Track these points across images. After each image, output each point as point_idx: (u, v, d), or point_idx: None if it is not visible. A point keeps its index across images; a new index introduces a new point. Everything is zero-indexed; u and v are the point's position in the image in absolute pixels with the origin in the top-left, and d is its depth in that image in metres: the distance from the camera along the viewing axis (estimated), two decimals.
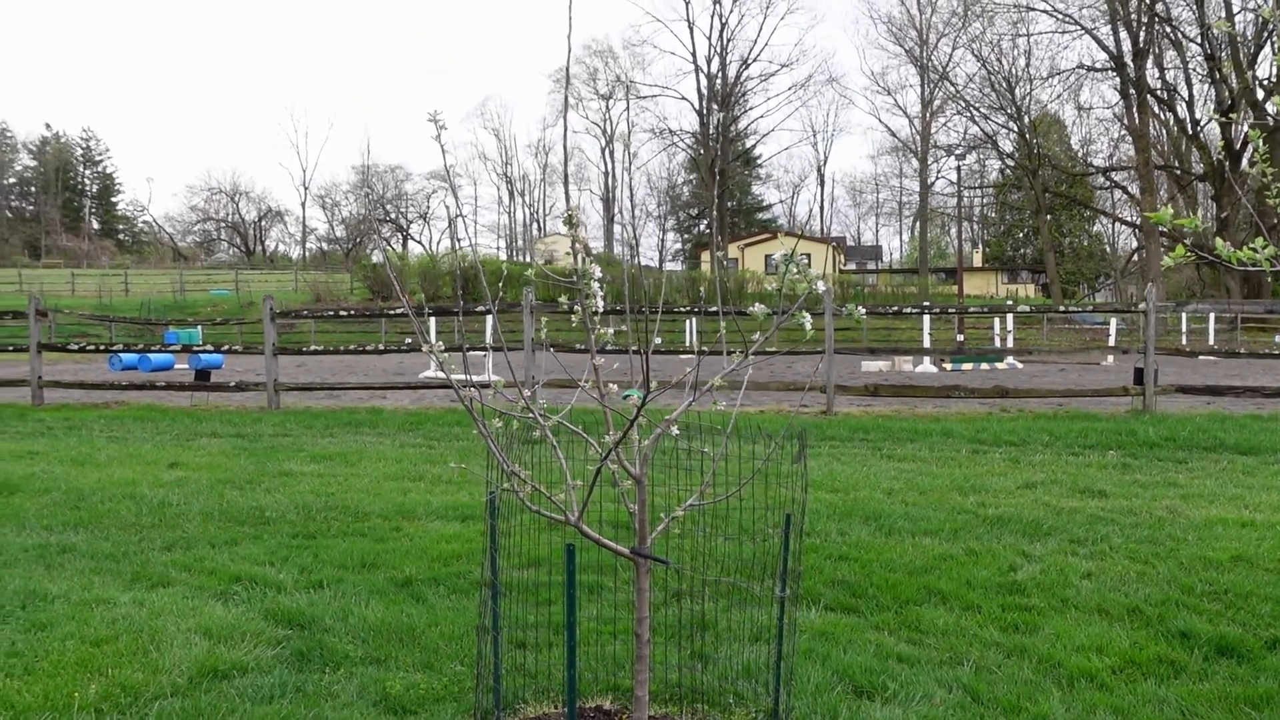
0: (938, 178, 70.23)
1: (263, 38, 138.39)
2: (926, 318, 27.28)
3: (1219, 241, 2.76)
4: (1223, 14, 45.24)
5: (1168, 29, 50.75)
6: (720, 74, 74.97)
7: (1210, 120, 51.72)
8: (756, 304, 3.00)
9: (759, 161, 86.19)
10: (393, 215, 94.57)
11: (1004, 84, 59.54)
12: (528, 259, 79.53)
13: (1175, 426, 11.11)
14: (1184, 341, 32.18)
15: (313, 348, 17.81)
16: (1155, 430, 10.82)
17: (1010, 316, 30.92)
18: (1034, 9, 54.52)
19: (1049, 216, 63.55)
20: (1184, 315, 35.51)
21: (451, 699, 3.68)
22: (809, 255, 62.75)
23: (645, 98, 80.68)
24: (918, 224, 76.35)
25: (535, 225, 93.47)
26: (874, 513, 6.71)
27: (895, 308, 18.85)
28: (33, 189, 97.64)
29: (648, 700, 3.15)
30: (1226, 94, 46.21)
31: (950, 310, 18.07)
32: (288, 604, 4.74)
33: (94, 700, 3.61)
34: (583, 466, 3.12)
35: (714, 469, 3.14)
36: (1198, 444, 10.12)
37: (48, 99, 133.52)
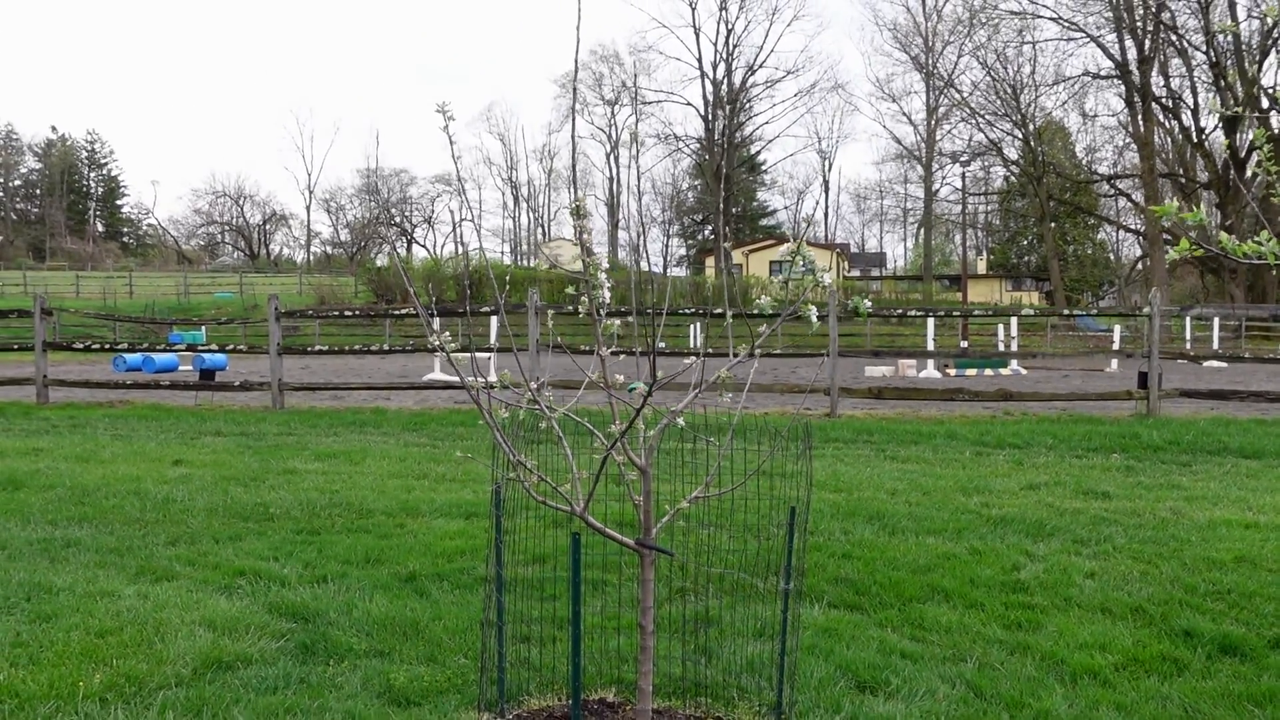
0: (942, 184, 70.35)
1: (268, 41, 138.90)
2: (931, 321, 27.27)
3: (1223, 235, 2.76)
4: (1228, 21, 45.27)
5: (1173, 37, 50.80)
6: (726, 80, 75.07)
7: (1216, 127, 51.77)
8: (763, 296, 3.02)
9: (764, 168, 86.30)
10: (397, 219, 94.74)
11: (1009, 91, 59.58)
12: (532, 263, 79.55)
13: (1179, 430, 11.10)
14: (1188, 347, 32.14)
15: (317, 348, 17.84)
16: (1159, 434, 10.81)
17: (1014, 321, 30.91)
18: (1040, 16, 54.59)
19: (1053, 224, 63.52)
20: (1188, 320, 35.45)
21: (455, 691, 3.69)
22: (813, 260, 62.64)
23: (650, 103, 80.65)
24: (922, 231, 76.42)
25: (540, 230, 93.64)
26: (878, 512, 6.71)
27: (900, 310, 18.87)
28: (38, 191, 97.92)
29: (651, 692, 3.15)
30: (1232, 100, 46.17)
31: (954, 314, 18.06)
32: (292, 598, 4.75)
33: (99, 689, 3.62)
34: (588, 459, 3.13)
35: (719, 461, 3.15)
36: (1202, 447, 10.11)
37: (53, 101, 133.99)
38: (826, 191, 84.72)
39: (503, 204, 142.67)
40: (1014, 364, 27.45)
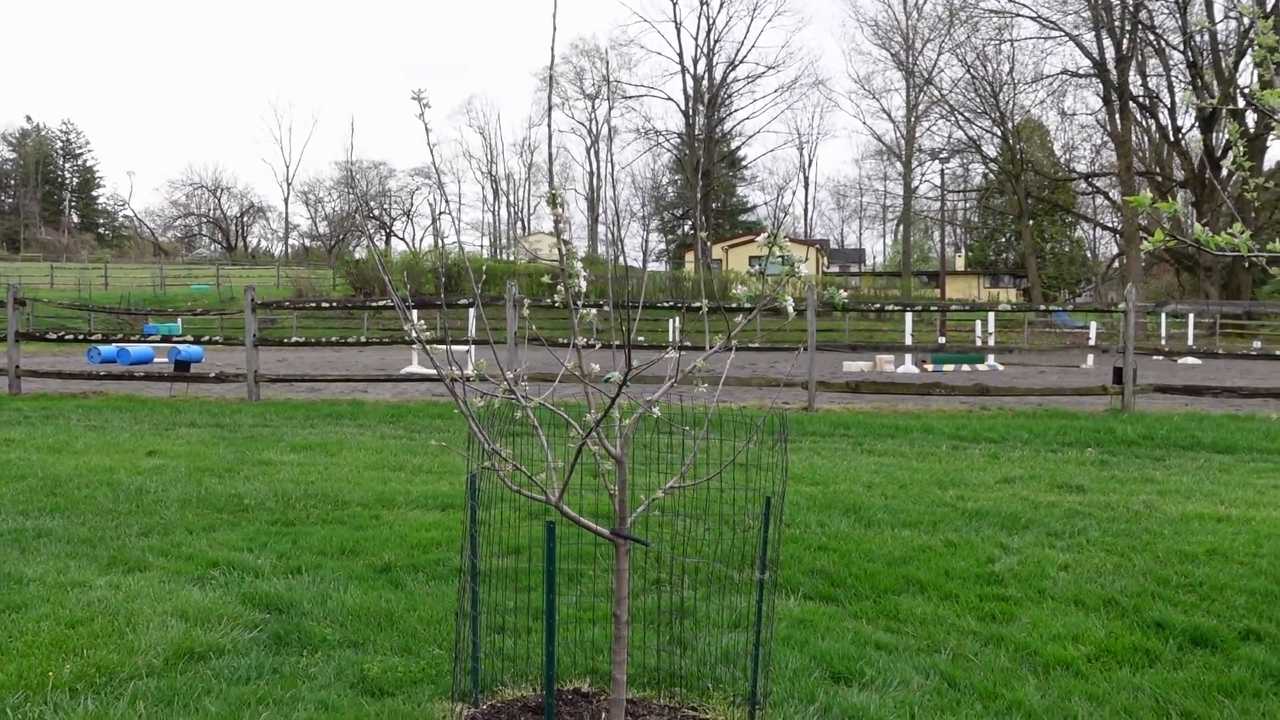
0: (921, 181, 70.66)
1: (246, 32, 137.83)
2: (909, 316, 27.41)
3: (1197, 226, 2.78)
4: (1205, 21, 45.62)
5: (1151, 36, 51.19)
6: (707, 75, 75.09)
7: (1192, 126, 52.18)
8: (740, 285, 3.01)
9: (744, 163, 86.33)
10: (376, 212, 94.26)
11: (988, 89, 59.96)
12: (511, 257, 79.33)
13: (1153, 425, 11.19)
14: (1163, 343, 32.42)
15: (294, 340, 17.73)
16: (1133, 428, 10.89)
17: (992, 317, 31.09)
18: (1019, 15, 54.90)
19: (1031, 221, 63.95)
20: (1163, 317, 35.77)
21: (429, 681, 3.68)
22: (791, 251, 62.81)
23: (631, 98, 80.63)
24: (901, 228, 76.66)
25: (519, 224, 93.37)
26: (854, 505, 6.72)
27: (878, 305, 18.93)
28: (12, 182, 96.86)
29: (625, 682, 3.15)
30: (1209, 98, 46.55)
31: (932, 308, 18.16)
32: (265, 589, 4.72)
33: (69, 680, 3.58)
34: (564, 448, 3.12)
35: (695, 451, 3.14)
36: (1175, 442, 10.20)
37: (28, 91, 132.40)
38: (806, 187, 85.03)
39: (482, 198, 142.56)
40: (991, 359, 27.60)
